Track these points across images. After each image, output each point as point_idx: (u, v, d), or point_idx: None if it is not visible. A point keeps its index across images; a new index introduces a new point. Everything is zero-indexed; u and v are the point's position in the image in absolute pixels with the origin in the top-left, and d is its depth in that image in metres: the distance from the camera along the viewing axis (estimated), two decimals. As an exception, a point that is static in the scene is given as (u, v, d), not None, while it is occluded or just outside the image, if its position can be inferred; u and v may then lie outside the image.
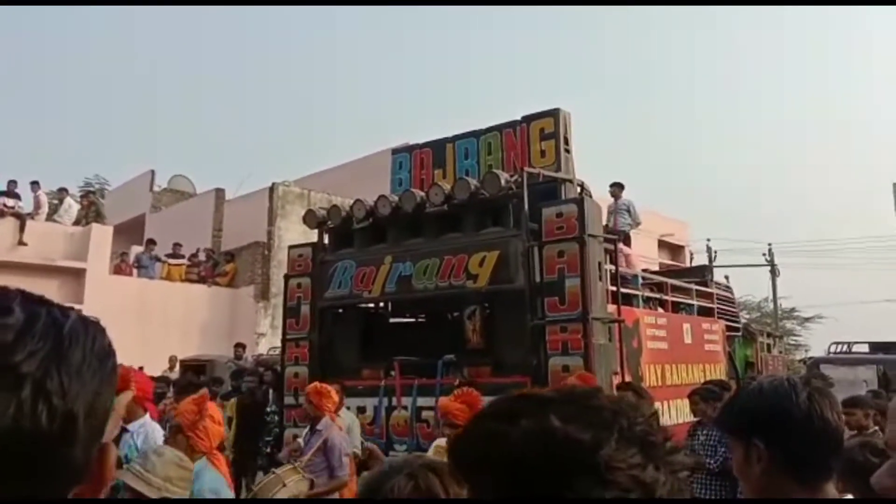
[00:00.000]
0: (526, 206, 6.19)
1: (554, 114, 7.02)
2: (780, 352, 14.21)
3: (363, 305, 7.71)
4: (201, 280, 16.72)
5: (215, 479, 3.35)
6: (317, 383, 5.59)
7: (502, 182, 6.26)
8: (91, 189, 25.76)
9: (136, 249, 17.52)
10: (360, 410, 6.69)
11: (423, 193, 6.73)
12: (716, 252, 28.89)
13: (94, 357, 0.68)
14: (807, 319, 30.80)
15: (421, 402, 6.36)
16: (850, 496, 1.37)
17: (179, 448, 3.19)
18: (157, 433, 4.18)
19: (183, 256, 16.88)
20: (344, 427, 5.76)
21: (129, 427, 4.15)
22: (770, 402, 1.41)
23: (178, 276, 16.45)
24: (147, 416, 4.24)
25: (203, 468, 3.26)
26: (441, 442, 4.45)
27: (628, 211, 11.24)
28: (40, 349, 0.63)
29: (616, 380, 5.90)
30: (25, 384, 0.61)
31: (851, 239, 62.60)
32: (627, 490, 0.68)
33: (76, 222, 15.98)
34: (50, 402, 0.62)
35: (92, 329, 0.70)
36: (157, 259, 16.51)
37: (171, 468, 2.79)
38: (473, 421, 0.79)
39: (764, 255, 30.17)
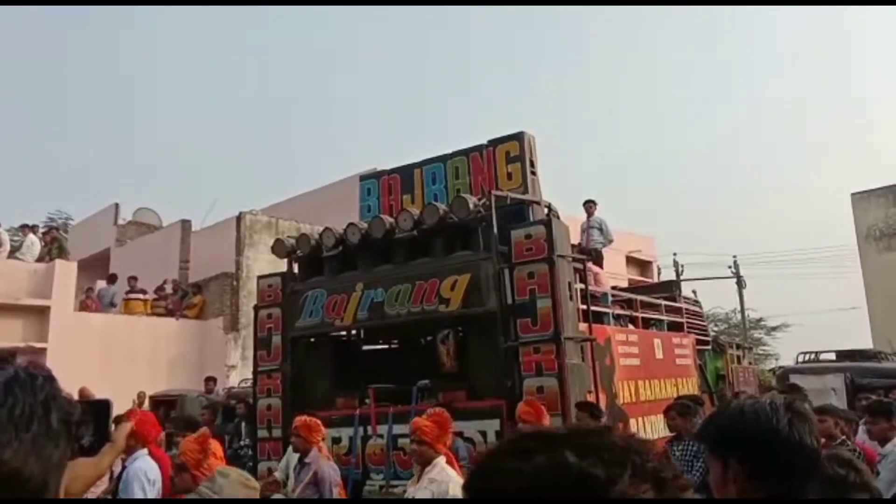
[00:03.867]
0: (495, 229, 6.24)
1: (519, 137, 7.11)
2: (750, 362, 14.36)
3: (335, 334, 7.66)
4: (169, 313, 16.42)
5: None
6: (305, 417, 5.51)
7: (471, 206, 6.31)
8: (53, 225, 25.25)
9: (102, 285, 17.20)
10: (335, 441, 6.62)
11: (392, 219, 6.75)
12: (683, 266, 29.36)
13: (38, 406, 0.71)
14: (774, 329, 31.30)
15: (397, 429, 6.31)
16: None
17: (185, 486, 3.32)
18: (150, 468, 4.24)
19: (144, 291, 16.61)
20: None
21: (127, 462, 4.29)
22: (750, 425, 1.44)
23: (140, 311, 16.18)
24: (145, 450, 4.32)
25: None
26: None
27: (600, 229, 11.37)
28: None
29: (591, 399, 5.93)
30: None
31: (813, 249, 63.94)
32: None
33: (39, 259, 15.67)
34: None
35: (32, 380, 0.73)
36: (112, 303, 16.24)
37: (238, 488, 2.89)
38: (487, 457, 0.79)
39: (730, 267, 30.71)
